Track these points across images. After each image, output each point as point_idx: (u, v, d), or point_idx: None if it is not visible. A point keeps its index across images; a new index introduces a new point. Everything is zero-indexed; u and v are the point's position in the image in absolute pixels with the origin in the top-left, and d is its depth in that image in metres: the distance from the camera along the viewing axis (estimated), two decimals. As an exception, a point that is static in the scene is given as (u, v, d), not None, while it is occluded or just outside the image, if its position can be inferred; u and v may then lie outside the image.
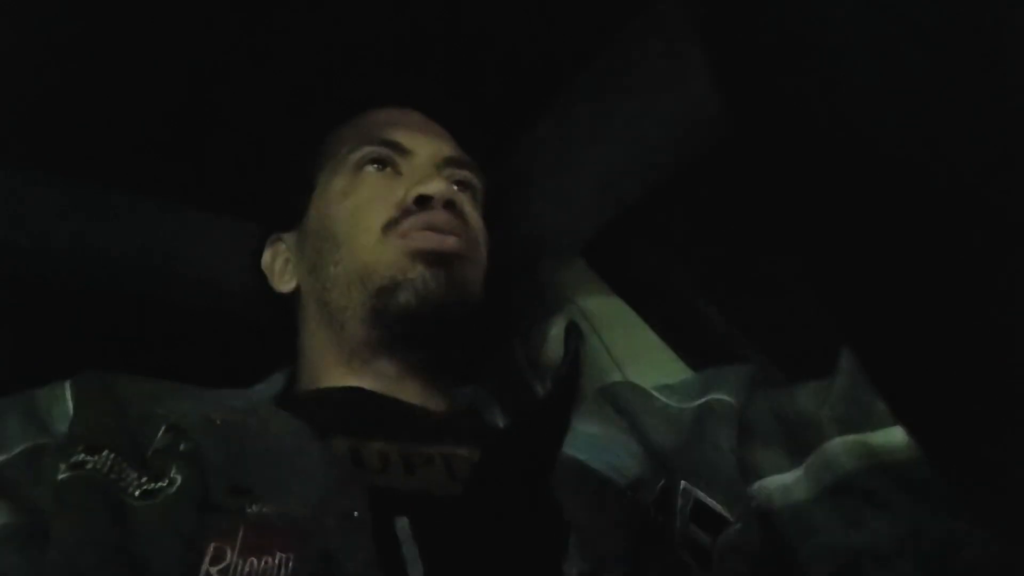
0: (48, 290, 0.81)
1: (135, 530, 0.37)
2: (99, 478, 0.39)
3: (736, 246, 0.78)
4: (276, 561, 0.35)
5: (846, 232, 0.19)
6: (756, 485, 0.48)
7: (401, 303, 0.53)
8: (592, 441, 0.49)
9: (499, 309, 0.66)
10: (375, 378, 0.55)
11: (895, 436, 0.42)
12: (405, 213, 0.55)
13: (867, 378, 0.22)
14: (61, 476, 0.39)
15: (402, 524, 0.38)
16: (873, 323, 0.20)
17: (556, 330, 0.72)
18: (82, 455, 0.40)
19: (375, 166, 0.59)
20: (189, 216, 0.84)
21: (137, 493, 0.39)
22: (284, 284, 0.62)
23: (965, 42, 0.16)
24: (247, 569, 0.35)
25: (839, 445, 0.44)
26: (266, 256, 0.64)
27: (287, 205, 0.63)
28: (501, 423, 0.58)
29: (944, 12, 0.16)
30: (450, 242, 0.55)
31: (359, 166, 0.59)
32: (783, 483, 0.47)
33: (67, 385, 0.47)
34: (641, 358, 0.68)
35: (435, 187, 0.55)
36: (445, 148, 0.62)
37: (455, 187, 0.60)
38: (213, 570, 0.35)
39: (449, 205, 0.56)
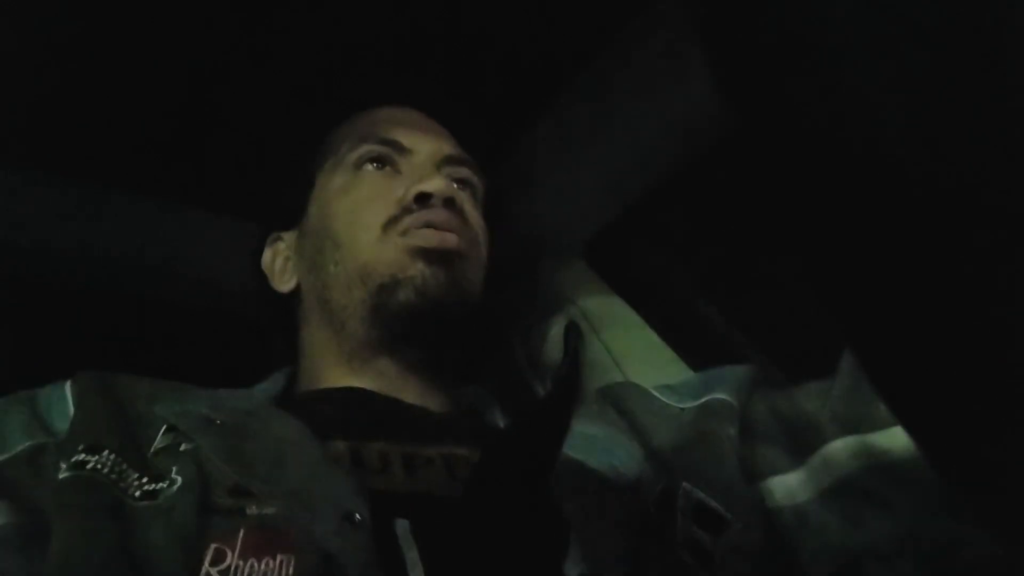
0: (48, 290, 0.81)
1: (135, 531, 0.37)
2: (100, 478, 0.39)
3: (736, 246, 0.78)
4: (276, 562, 0.35)
5: (846, 232, 0.19)
6: (757, 485, 0.48)
7: (401, 301, 0.53)
8: (592, 442, 0.49)
9: (499, 309, 0.66)
10: (375, 378, 0.55)
11: (896, 437, 0.42)
12: (405, 211, 0.55)
13: (867, 378, 0.22)
14: (62, 476, 0.39)
15: (402, 525, 0.38)
16: (873, 323, 0.20)
17: (556, 330, 0.72)
18: (83, 455, 0.40)
19: (375, 165, 0.59)
20: (189, 216, 0.84)
21: (137, 494, 0.39)
22: (284, 283, 0.62)
23: (965, 42, 0.16)
24: (247, 570, 0.35)
25: (840, 446, 0.44)
26: (266, 255, 0.64)
27: (287, 204, 0.63)
28: (501, 423, 0.58)
29: (944, 12, 0.16)
30: (450, 240, 0.55)
31: (359, 165, 0.59)
32: (784, 483, 0.47)
33: (67, 385, 0.47)
34: (641, 358, 0.68)
35: (435, 185, 0.55)
36: (445, 147, 0.62)
37: (455, 185, 0.60)
38: (213, 571, 0.35)
39: (449, 203, 0.56)
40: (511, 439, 0.47)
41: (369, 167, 0.59)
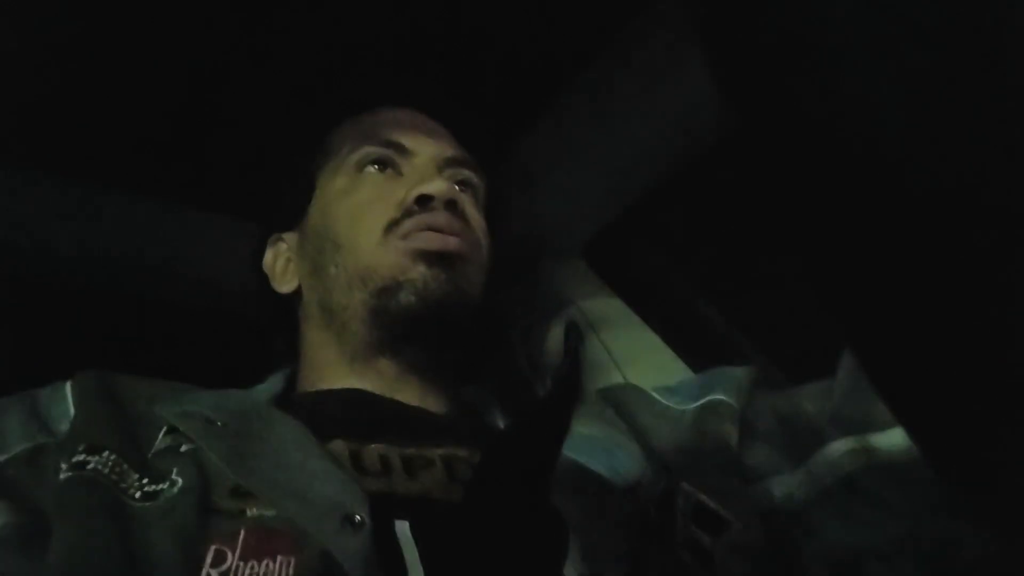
0: (48, 290, 0.81)
1: (136, 532, 0.37)
2: (100, 479, 0.39)
3: (736, 246, 0.78)
4: (277, 564, 0.35)
5: (846, 232, 0.19)
6: (757, 486, 0.48)
7: (402, 303, 0.53)
8: (592, 443, 0.49)
9: (499, 309, 0.66)
10: (376, 379, 0.55)
11: (895, 437, 0.42)
12: (406, 213, 0.55)
13: (867, 378, 0.22)
14: (63, 476, 0.39)
15: (403, 527, 0.38)
16: (873, 323, 0.20)
17: (556, 330, 0.72)
18: (83, 455, 0.40)
19: (376, 166, 0.59)
20: (189, 216, 0.84)
21: (138, 495, 0.39)
22: (285, 284, 0.62)
23: (965, 42, 0.16)
24: (248, 572, 0.35)
25: (840, 446, 0.44)
26: (267, 256, 0.64)
27: (288, 205, 0.63)
28: (501, 424, 0.58)
29: (944, 12, 0.16)
30: (452, 243, 0.55)
31: (360, 166, 0.59)
32: (784, 484, 0.47)
33: (67, 385, 0.47)
34: (641, 358, 0.68)
35: (436, 187, 0.55)
36: (447, 148, 0.61)
37: (456, 187, 0.60)
38: (214, 572, 0.35)
39: (451, 205, 0.56)
40: (511, 440, 0.47)
41: (370, 169, 0.59)
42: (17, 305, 0.80)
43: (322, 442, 0.44)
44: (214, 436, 0.43)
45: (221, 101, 0.73)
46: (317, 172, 0.62)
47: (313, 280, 0.58)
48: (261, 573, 0.35)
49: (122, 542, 0.36)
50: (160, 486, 0.40)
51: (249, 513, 0.38)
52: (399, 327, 0.53)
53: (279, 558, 0.36)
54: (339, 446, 0.45)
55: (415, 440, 0.48)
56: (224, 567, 0.35)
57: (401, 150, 0.59)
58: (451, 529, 0.40)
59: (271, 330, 0.64)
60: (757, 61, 0.19)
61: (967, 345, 0.18)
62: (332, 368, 0.56)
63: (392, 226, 0.55)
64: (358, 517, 0.37)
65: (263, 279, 0.63)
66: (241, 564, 0.35)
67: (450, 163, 0.61)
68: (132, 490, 0.40)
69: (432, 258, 0.54)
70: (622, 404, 0.54)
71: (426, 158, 0.60)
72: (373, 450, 0.46)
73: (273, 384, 0.57)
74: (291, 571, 0.35)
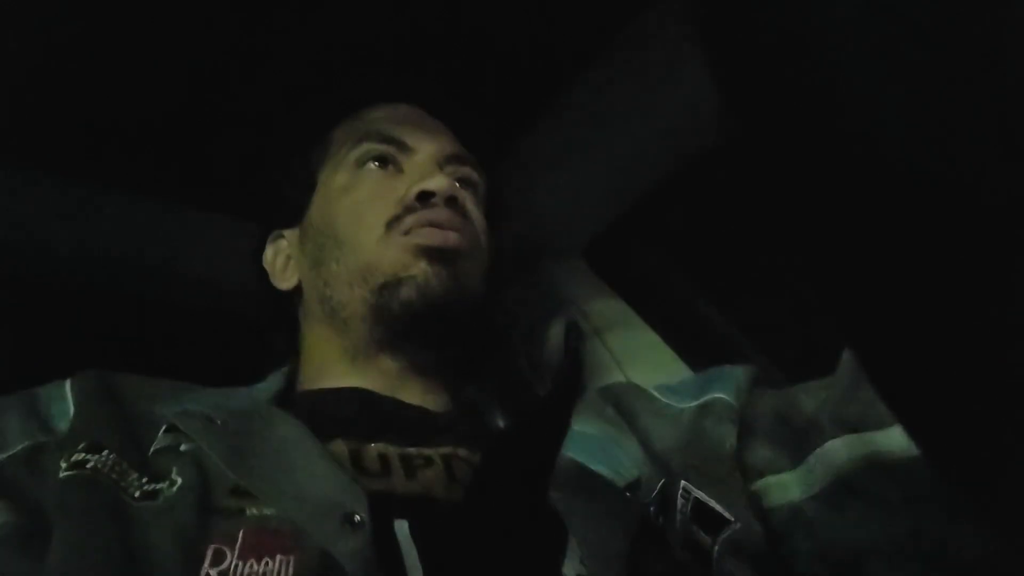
0: (48, 290, 0.81)
1: (135, 531, 0.37)
2: (100, 478, 0.39)
3: (736, 246, 0.78)
4: (276, 563, 0.35)
5: (846, 232, 0.19)
6: (756, 484, 0.48)
7: (403, 300, 0.53)
8: (592, 443, 0.49)
9: (499, 309, 0.66)
10: (377, 377, 0.55)
11: (895, 436, 0.42)
12: (407, 210, 0.55)
13: (867, 378, 0.22)
14: (62, 475, 0.39)
15: (402, 527, 0.38)
16: (873, 323, 0.20)
17: (556, 330, 0.72)
18: (83, 454, 0.40)
19: (376, 163, 0.59)
20: (189, 216, 0.84)
21: (137, 494, 0.39)
22: (285, 281, 0.62)
23: (965, 42, 0.16)
24: (247, 571, 0.35)
25: (839, 445, 0.44)
26: (267, 253, 0.64)
27: (288, 202, 0.63)
28: (501, 423, 0.58)
29: (944, 12, 0.16)
30: (452, 239, 0.55)
31: (360, 163, 0.59)
32: (783, 482, 0.47)
33: (67, 384, 0.47)
34: (641, 358, 0.69)
35: (437, 183, 0.55)
36: (447, 145, 0.61)
37: (457, 184, 0.60)
38: (213, 572, 0.35)
39: (451, 202, 0.56)
40: (511, 440, 0.47)
41: (371, 165, 0.59)
42: (17, 305, 0.80)
43: (322, 442, 0.44)
44: (214, 435, 0.43)
45: (221, 101, 0.73)
46: (318, 168, 0.62)
47: (314, 277, 0.58)
48: (260, 572, 0.35)
49: (122, 541, 0.36)
50: (160, 485, 0.40)
51: (249, 512, 0.38)
52: (400, 324, 0.53)
53: (278, 557, 0.36)
54: (339, 446, 0.45)
55: (415, 440, 0.48)
56: (223, 566, 0.35)
57: (402, 147, 0.59)
58: (450, 529, 0.40)
59: (271, 327, 0.64)
60: (757, 61, 0.19)
61: (967, 345, 0.18)
62: (333, 366, 0.56)
63: (393, 223, 0.55)
64: (358, 517, 0.37)
65: (263, 276, 0.63)
66: (240, 563, 0.35)
67: (451, 160, 0.61)
68: (132, 489, 0.40)
69: (433, 254, 0.54)
70: (622, 402, 0.54)
71: (427, 155, 0.60)
72: (373, 450, 0.46)
73: (273, 382, 0.57)
74: (290, 570, 0.35)
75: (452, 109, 0.65)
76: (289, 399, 0.56)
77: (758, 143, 0.21)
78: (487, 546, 0.39)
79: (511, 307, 0.78)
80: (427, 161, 0.59)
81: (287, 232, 0.63)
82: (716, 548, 0.44)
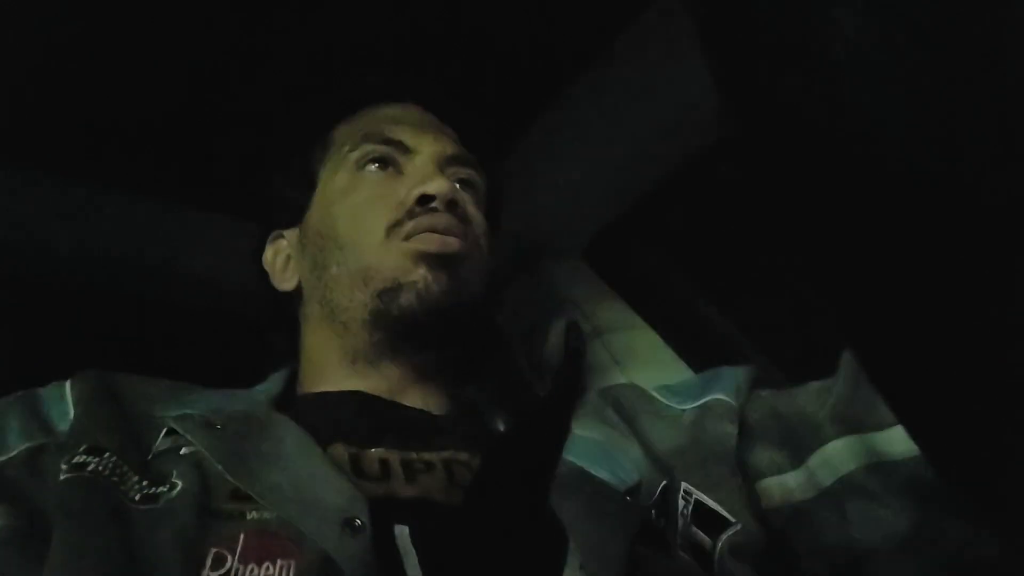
0: (48, 290, 0.81)
1: (135, 534, 0.37)
2: (100, 480, 0.39)
3: (736, 246, 0.78)
4: (276, 568, 0.35)
5: (847, 232, 0.19)
6: (757, 485, 0.48)
7: (403, 305, 0.53)
8: (592, 446, 0.49)
9: (499, 309, 0.66)
10: (378, 381, 0.54)
11: (896, 437, 0.42)
12: (408, 215, 0.55)
13: (868, 378, 0.22)
14: (63, 477, 0.39)
15: (402, 532, 0.38)
16: (874, 323, 0.20)
17: (556, 330, 0.72)
18: (84, 456, 0.40)
19: (376, 165, 0.59)
20: (189, 216, 0.84)
21: (137, 497, 0.39)
22: (286, 282, 0.61)
23: (965, 42, 0.16)
24: (247, 575, 0.35)
25: (840, 446, 0.44)
26: (267, 253, 0.63)
27: (289, 202, 0.63)
28: (502, 425, 0.58)
29: (944, 12, 0.16)
30: (452, 244, 0.54)
31: (361, 165, 0.59)
32: (784, 483, 0.47)
33: (67, 385, 0.47)
34: (641, 358, 0.69)
35: (437, 186, 0.55)
36: (448, 146, 0.61)
37: (457, 186, 0.60)
38: (213, 575, 0.35)
39: (451, 205, 0.55)
40: (511, 444, 0.47)
41: (371, 167, 0.59)
42: (17, 305, 0.80)
43: (322, 446, 0.44)
44: (214, 439, 0.43)
45: (221, 101, 0.73)
46: (318, 169, 0.62)
47: (314, 278, 0.58)
48: (261, 576, 0.35)
49: (122, 544, 0.36)
50: (160, 488, 0.40)
51: (249, 516, 0.38)
52: (400, 329, 0.53)
53: (279, 561, 0.36)
54: (339, 450, 0.45)
55: (416, 443, 0.48)
56: (224, 570, 0.35)
57: (402, 148, 0.59)
58: (451, 533, 0.39)
59: (271, 328, 0.64)
60: (757, 62, 0.19)
61: (967, 345, 0.18)
62: (333, 368, 0.56)
63: (394, 227, 0.55)
64: (358, 521, 0.37)
65: (263, 276, 0.63)
66: (241, 567, 0.35)
67: (451, 162, 0.61)
68: (132, 492, 0.39)
69: (433, 260, 0.53)
70: (622, 403, 0.54)
71: (427, 156, 0.59)
72: (373, 454, 0.45)
73: (273, 384, 0.57)
74: (291, 574, 0.35)
75: (452, 109, 0.65)
76: (289, 401, 0.55)
77: (758, 143, 0.21)
78: (487, 551, 0.38)
79: (511, 307, 0.78)
80: (427, 163, 0.59)
81: (287, 232, 0.63)
82: (717, 549, 0.44)
